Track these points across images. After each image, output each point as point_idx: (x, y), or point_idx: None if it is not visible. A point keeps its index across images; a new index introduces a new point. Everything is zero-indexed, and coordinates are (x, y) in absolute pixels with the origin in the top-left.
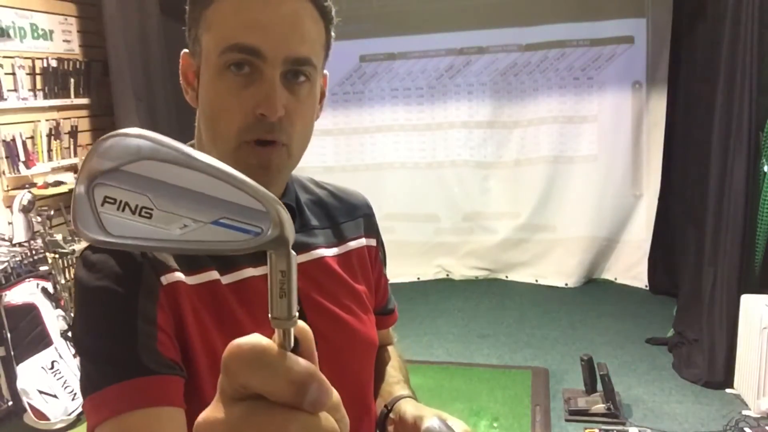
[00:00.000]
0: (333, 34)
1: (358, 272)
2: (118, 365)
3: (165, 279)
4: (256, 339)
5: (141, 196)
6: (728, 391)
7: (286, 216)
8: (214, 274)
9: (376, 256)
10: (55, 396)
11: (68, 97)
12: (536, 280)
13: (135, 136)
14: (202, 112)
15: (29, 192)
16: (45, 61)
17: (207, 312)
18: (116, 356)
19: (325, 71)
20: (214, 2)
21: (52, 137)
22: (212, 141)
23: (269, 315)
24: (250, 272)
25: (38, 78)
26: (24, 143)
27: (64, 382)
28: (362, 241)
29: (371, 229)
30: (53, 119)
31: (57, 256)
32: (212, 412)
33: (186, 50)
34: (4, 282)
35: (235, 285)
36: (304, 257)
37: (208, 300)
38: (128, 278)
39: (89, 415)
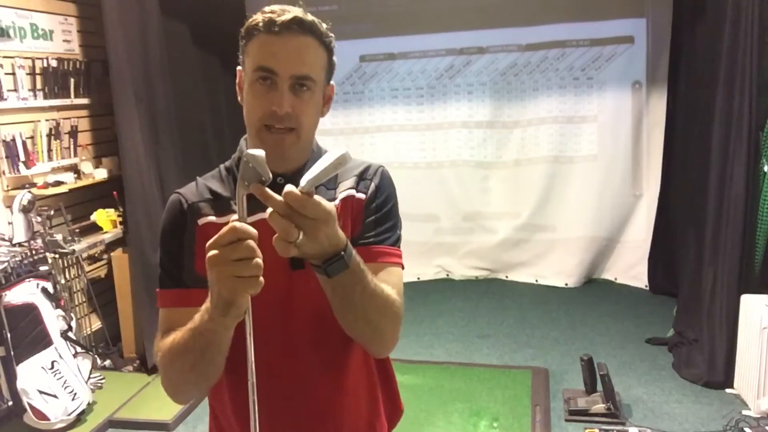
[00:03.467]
0: (335, 58)
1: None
2: (170, 278)
3: (200, 221)
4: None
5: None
6: (728, 391)
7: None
8: (235, 216)
9: (361, 208)
10: (55, 396)
11: (68, 97)
12: (536, 280)
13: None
14: (244, 108)
15: (29, 192)
16: (45, 61)
17: None
18: (170, 272)
19: (332, 82)
20: (252, 40)
21: (52, 137)
22: (248, 126)
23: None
24: (260, 216)
25: (38, 78)
26: (24, 143)
27: (64, 382)
28: (351, 192)
29: (364, 186)
30: (53, 119)
31: (57, 256)
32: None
33: (239, 67)
34: (4, 282)
35: (251, 223)
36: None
37: None
38: (177, 222)
39: (157, 298)
